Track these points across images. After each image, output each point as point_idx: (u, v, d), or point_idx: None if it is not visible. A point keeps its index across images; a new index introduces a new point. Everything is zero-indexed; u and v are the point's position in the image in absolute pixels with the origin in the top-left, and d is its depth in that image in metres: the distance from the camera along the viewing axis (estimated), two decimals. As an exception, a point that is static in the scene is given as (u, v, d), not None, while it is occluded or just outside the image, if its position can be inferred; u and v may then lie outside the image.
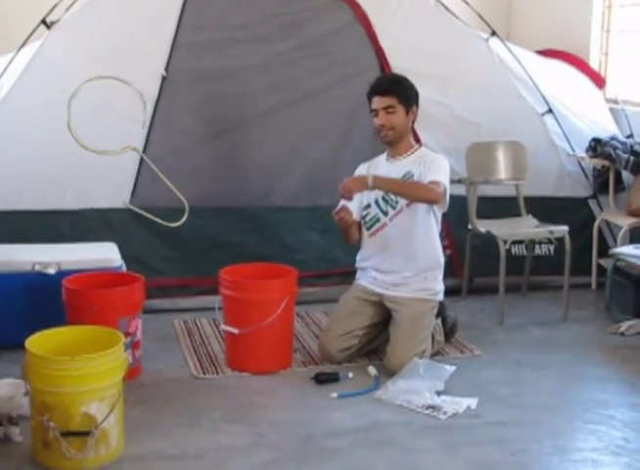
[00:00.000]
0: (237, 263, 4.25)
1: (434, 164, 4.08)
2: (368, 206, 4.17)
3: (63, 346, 3.30)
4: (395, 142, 4.14)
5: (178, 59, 4.94)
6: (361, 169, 4.23)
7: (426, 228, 4.12)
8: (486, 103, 5.32)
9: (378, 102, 4.09)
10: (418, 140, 5.15)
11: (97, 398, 3.10)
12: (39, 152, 4.72)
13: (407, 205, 4.08)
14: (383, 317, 4.19)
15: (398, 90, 4.10)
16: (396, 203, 4.10)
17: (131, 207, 4.50)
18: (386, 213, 4.13)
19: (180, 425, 3.47)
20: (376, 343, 4.22)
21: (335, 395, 3.77)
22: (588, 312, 4.99)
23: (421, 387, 3.77)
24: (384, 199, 4.12)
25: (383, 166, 4.19)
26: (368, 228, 4.20)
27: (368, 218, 4.19)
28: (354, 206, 4.16)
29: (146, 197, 4.90)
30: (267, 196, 5.11)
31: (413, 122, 4.25)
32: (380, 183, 3.94)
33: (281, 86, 5.11)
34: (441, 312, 4.28)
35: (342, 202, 4.06)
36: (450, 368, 3.93)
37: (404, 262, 4.12)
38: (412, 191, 4.01)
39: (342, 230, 4.16)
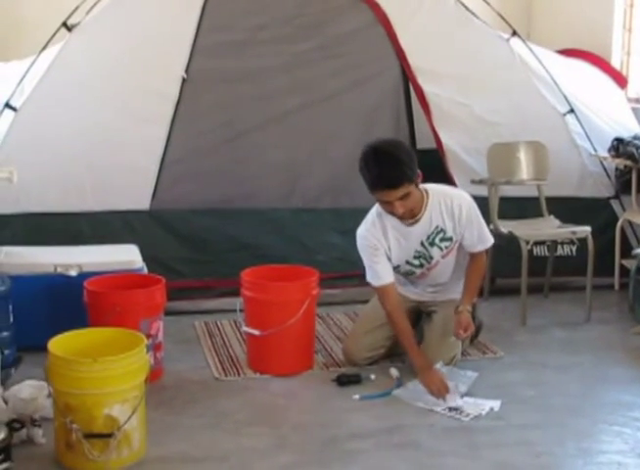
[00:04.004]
0: (258, 265, 4.24)
1: (469, 220, 3.91)
2: (398, 266, 4.01)
3: (85, 347, 3.30)
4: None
5: (198, 60, 4.94)
6: (375, 238, 3.90)
7: (464, 259, 4.06)
8: (507, 103, 5.29)
9: (390, 195, 3.72)
10: (439, 142, 5.17)
11: (119, 399, 3.10)
12: (60, 154, 4.74)
13: (443, 257, 3.99)
14: (412, 323, 4.14)
15: (406, 174, 3.71)
16: (431, 258, 3.99)
17: None
18: (421, 266, 4.03)
19: (202, 427, 3.47)
20: (401, 349, 4.18)
21: (357, 396, 3.76)
22: (611, 313, 4.95)
23: (458, 388, 3.74)
24: (415, 257, 3.99)
25: (404, 230, 3.91)
26: (404, 275, 4.10)
27: (402, 271, 4.05)
28: (386, 268, 3.94)
29: (166, 199, 4.91)
30: (288, 197, 5.10)
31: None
32: (472, 305, 3.98)
33: (301, 87, 5.10)
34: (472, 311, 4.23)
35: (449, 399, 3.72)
36: (472, 374, 3.88)
37: (443, 281, 4.11)
38: (479, 285, 4.12)
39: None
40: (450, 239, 3.96)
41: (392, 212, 3.81)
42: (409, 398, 3.73)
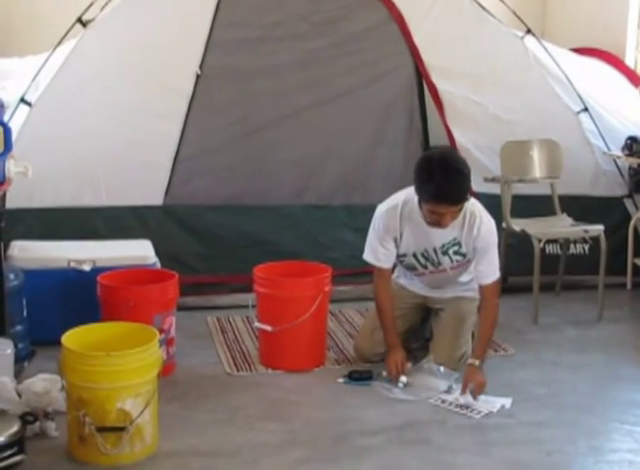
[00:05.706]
0: (270, 261, 4.25)
1: (483, 247, 3.81)
2: (404, 255, 3.98)
3: (98, 342, 3.32)
4: None
5: (213, 57, 4.95)
6: (391, 221, 3.86)
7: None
8: (521, 101, 5.28)
9: (448, 209, 3.68)
10: (452, 140, 5.16)
11: (132, 394, 3.11)
12: (75, 150, 4.75)
13: (452, 268, 3.97)
14: (420, 319, 4.18)
15: (468, 191, 3.71)
16: (439, 264, 3.96)
17: None
18: (424, 267, 4.00)
19: (214, 422, 3.49)
20: (413, 345, 4.18)
21: (341, 380, 3.86)
22: (624, 312, 4.95)
23: (437, 384, 3.77)
24: (423, 256, 3.95)
25: (423, 228, 3.84)
26: (406, 268, 4.08)
27: (404, 263, 4.03)
28: (389, 256, 3.94)
29: (180, 195, 4.93)
30: (301, 194, 5.11)
31: None
32: (483, 360, 3.79)
33: (315, 84, 5.10)
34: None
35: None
36: (451, 372, 3.83)
37: (446, 286, 4.10)
38: (491, 336, 3.92)
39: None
40: (464, 255, 3.92)
41: (439, 223, 3.74)
42: (409, 393, 3.75)
